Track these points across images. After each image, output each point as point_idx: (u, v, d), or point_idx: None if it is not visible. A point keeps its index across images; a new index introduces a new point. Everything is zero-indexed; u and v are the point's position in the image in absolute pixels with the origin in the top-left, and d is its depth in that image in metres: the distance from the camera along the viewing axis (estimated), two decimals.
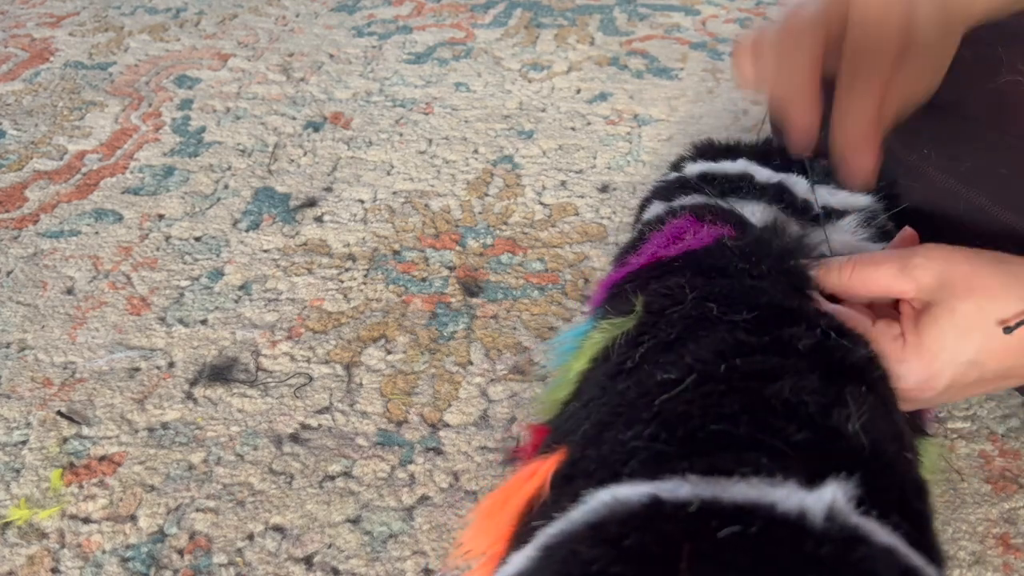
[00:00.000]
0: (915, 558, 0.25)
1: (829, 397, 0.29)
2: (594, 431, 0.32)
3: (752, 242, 0.41)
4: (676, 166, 0.56)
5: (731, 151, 0.53)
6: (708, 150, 0.55)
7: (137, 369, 0.63)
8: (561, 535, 0.26)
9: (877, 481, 0.27)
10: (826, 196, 0.49)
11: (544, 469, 0.32)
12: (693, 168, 0.53)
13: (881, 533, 0.24)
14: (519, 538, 0.30)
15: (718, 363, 0.31)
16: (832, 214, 0.48)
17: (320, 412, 0.59)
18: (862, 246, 0.46)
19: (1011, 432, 0.58)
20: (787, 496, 0.24)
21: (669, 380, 0.31)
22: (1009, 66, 0.48)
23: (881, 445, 0.29)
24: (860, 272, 0.38)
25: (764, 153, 0.53)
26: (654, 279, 0.41)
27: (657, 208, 0.51)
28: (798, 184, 0.49)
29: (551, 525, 0.27)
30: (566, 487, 0.29)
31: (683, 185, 0.51)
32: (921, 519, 0.28)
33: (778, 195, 0.48)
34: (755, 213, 0.46)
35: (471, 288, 0.71)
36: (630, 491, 0.26)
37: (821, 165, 0.52)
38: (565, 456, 0.32)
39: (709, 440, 0.28)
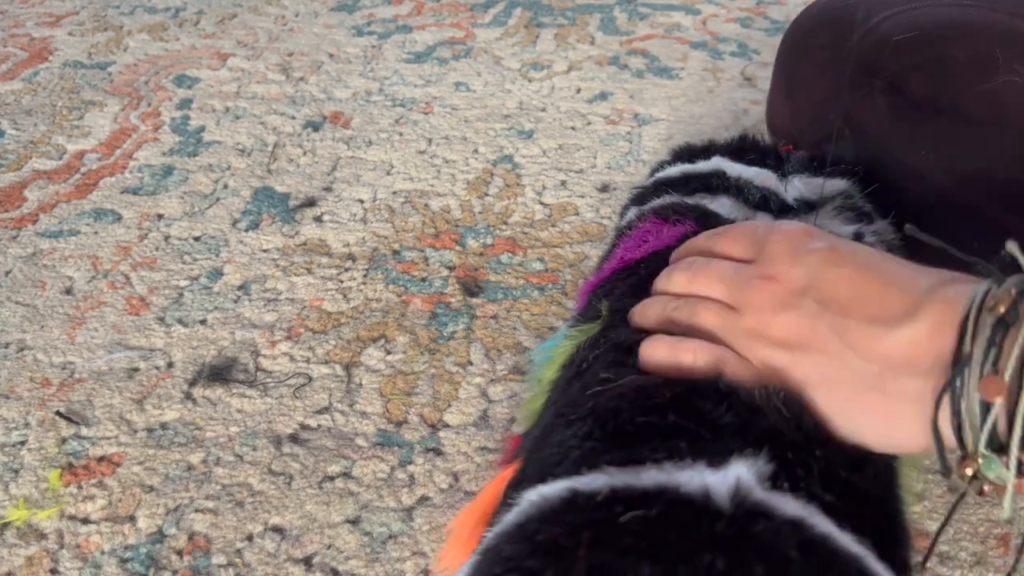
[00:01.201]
0: (827, 527, 0.25)
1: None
2: (542, 435, 0.32)
3: None
4: (654, 172, 0.56)
5: (706, 151, 0.54)
6: (684, 153, 0.55)
7: (136, 369, 0.63)
8: (495, 537, 0.27)
9: (796, 455, 0.27)
10: (799, 186, 0.49)
11: (503, 479, 0.33)
12: (669, 171, 0.53)
13: (789, 506, 0.25)
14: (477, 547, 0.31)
15: None
16: (805, 204, 0.48)
17: (320, 412, 0.59)
18: (842, 231, 0.46)
19: None
20: (691, 478, 0.25)
21: (609, 378, 0.32)
22: (1006, 66, 0.48)
23: (804, 419, 0.29)
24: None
25: (738, 149, 0.53)
26: (620, 283, 0.42)
27: (631, 214, 0.52)
28: (769, 177, 0.50)
29: (493, 529, 0.28)
30: (512, 493, 0.30)
31: (657, 189, 0.52)
32: (851, 490, 0.27)
33: (746, 188, 0.49)
34: (723, 206, 0.47)
35: (471, 288, 0.71)
36: (550, 488, 0.27)
37: (795, 156, 0.52)
38: (520, 463, 0.33)
39: (635, 432, 0.28)
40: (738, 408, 0.29)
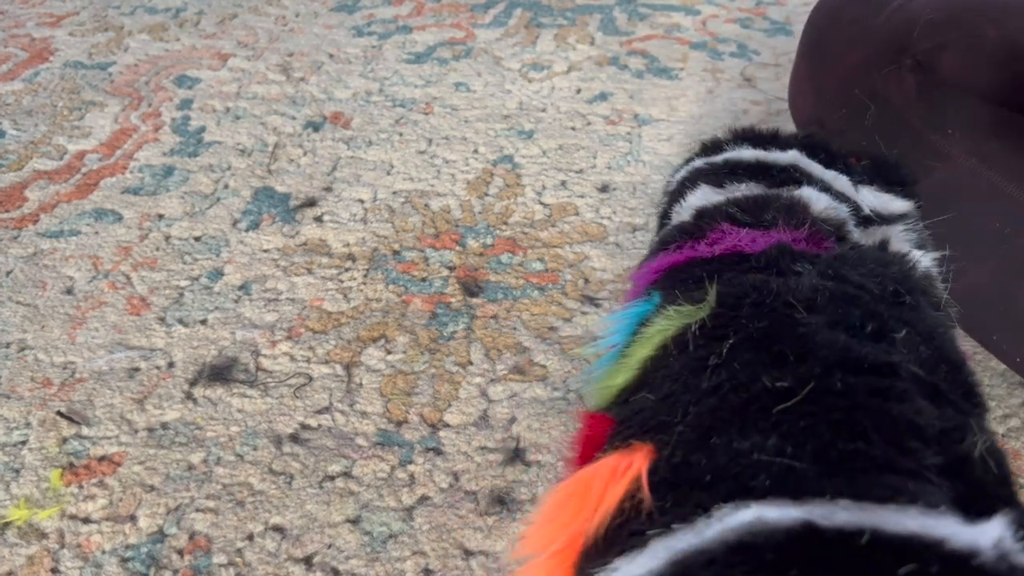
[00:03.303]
0: None
1: (951, 421, 0.28)
2: (695, 435, 0.30)
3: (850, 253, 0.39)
4: (716, 148, 0.52)
5: (775, 138, 0.51)
6: (752, 136, 0.52)
7: (137, 369, 0.63)
8: (695, 551, 0.24)
9: (1014, 511, 0.25)
10: (870, 198, 0.48)
11: (635, 469, 0.30)
12: (740, 153, 0.50)
13: None
14: (616, 542, 0.28)
15: (832, 375, 0.29)
16: (879, 218, 0.47)
17: (320, 412, 0.59)
18: (913, 254, 0.45)
19: (1011, 432, 0.57)
20: (955, 532, 0.23)
21: (782, 388, 0.29)
22: None
23: (1005, 470, 0.28)
24: None
25: (810, 146, 0.50)
26: (729, 270, 0.39)
27: (711, 195, 0.48)
28: (846, 183, 0.48)
29: (674, 537, 0.26)
30: (673, 494, 0.28)
31: (733, 170, 0.48)
32: None
33: (830, 192, 0.47)
34: (819, 200, 0.44)
35: (471, 288, 0.71)
36: (776, 513, 0.24)
37: (862, 165, 0.51)
38: (656, 457, 0.30)
39: (844, 459, 0.26)
40: (943, 451, 0.27)
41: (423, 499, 0.53)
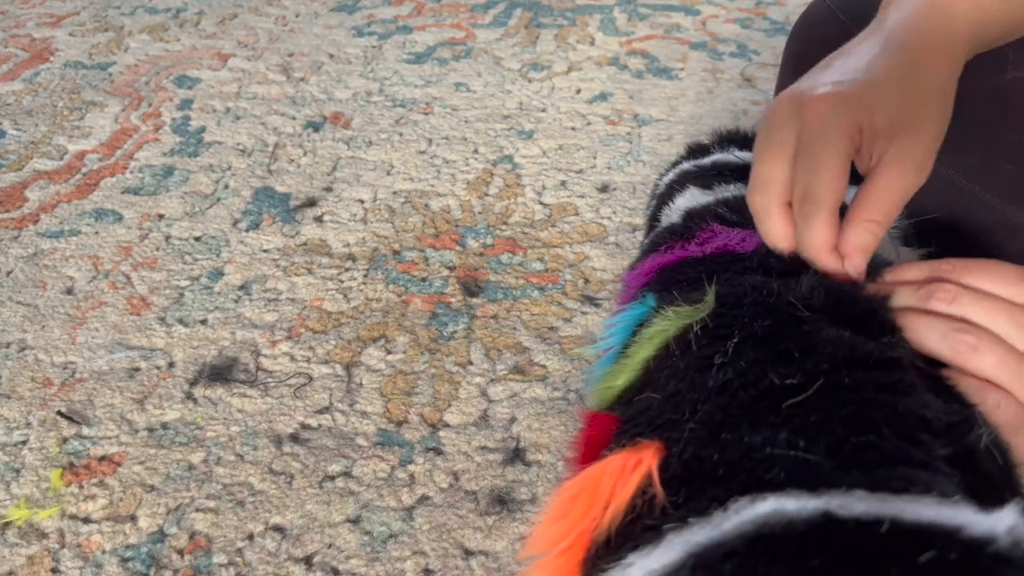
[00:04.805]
0: None
1: (958, 414, 0.29)
2: (705, 431, 0.30)
3: None
4: (702, 151, 0.53)
5: None
6: (739, 139, 0.53)
7: (137, 369, 0.63)
8: (713, 544, 0.25)
9: (1016, 501, 0.26)
10: (854, 195, 0.49)
11: (645, 465, 0.30)
12: (727, 155, 0.51)
13: None
14: (629, 537, 0.28)
15: (840, 371, 0.30)
16: None
17: (320, 412, 0.59)
18: (906, 253, 0.45)
19: None
20: (971, 520, 0.23)
21: (791, 385, 0.29)
22: (1015, 63, 0.48)
23: (1009, 461, 0.28)
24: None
25: None
26: (725, 269, 0.39)
27: (699, 196, 0.48)
28: None
29: (690, 530, 0.26)
30: (686, 489, 0.28)
31: (721, 172, 0.49)
32: None
33: None
34: None
35: (471, 288, 0.71)
36: (794, 504, 0.24)
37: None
38: (666, 454, 0.30)
39: (857, 452, 0.26)
40: (951, 443, 0.27)
41: (423, 499, 0.53)
